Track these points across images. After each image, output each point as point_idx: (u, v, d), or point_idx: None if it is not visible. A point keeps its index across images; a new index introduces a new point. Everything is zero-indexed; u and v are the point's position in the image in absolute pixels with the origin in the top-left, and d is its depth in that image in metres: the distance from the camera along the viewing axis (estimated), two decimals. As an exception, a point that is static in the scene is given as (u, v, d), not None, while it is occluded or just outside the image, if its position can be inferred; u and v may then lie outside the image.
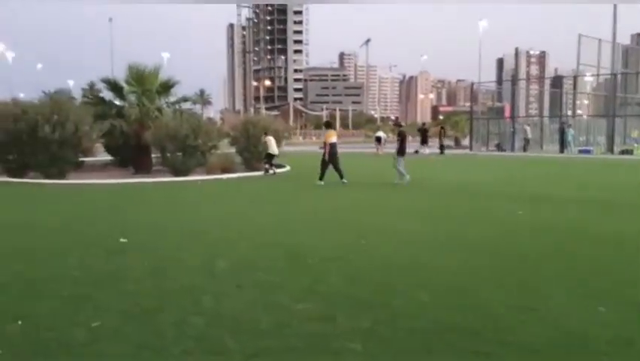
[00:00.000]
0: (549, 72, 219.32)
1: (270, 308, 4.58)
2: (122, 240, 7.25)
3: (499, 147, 37.98)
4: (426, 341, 3.91)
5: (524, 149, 36.26)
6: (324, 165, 15.03)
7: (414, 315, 4.42)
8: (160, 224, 8.84)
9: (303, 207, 11.08)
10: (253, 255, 6.52)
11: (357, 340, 3.90)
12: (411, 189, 13.95)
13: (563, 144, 34.99)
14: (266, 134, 18.96)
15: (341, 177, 14.88)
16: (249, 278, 5.50)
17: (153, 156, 19.20)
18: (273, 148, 18.45)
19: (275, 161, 18.80)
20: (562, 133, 35.12)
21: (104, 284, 5.30)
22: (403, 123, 17.67)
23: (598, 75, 38.57)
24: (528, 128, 37.55)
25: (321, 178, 14.86)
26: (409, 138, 22.08)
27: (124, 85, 19.50)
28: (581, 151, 34.07)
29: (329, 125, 16.95)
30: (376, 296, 4.90)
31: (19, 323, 4.25)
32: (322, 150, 15.41)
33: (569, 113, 39.72)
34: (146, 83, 19.28)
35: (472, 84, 44.36)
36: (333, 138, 15.34)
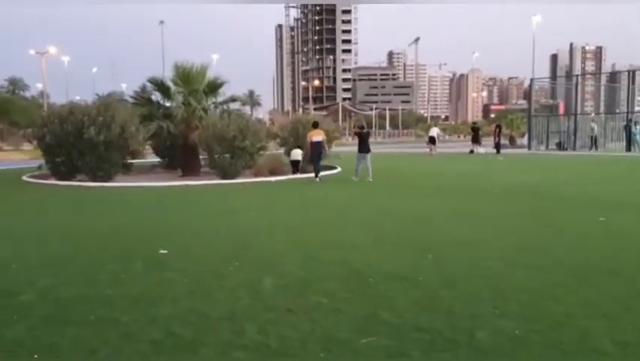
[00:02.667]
0: (606, 68, 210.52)
1: (328, 342, 3.81)
2: (161, 251, 6.63)
3: (559, 146, 35.94)
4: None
5: (591, 147, 34.08)
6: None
7: (505, 355, 3.57)
8: (204, 232, 8.21)
9: (358, 214, 10.25)
10: (304, 271, 5.76)
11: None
12: (476, 192, 12.95)
13: (629, 143, 32.86)
14: (298, 147, 19.06)
15: (316, 175, 16.27)
16: (300, 301, 4.75)
17: (201, 157, 18.79)
18: (295, 156, 18.90)
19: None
20: (628, 131, 32.97)
21: (136, 306, 4.66)
22: (364, 125, 19.95)
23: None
24: (595, 125, 35.26)
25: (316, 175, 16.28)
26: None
27: (170, 85, 19.12)
28: (650, 150, 31.86)
29: (315, 125, 17.38)
30: (454, 327, 4.05)
31: (35, 356, 3.63)
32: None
33: (626, 110, 37.06)
34: (194, 83, 18.81)
35: (531, 80, 42.32)
36: (314, 137, 16.48)
